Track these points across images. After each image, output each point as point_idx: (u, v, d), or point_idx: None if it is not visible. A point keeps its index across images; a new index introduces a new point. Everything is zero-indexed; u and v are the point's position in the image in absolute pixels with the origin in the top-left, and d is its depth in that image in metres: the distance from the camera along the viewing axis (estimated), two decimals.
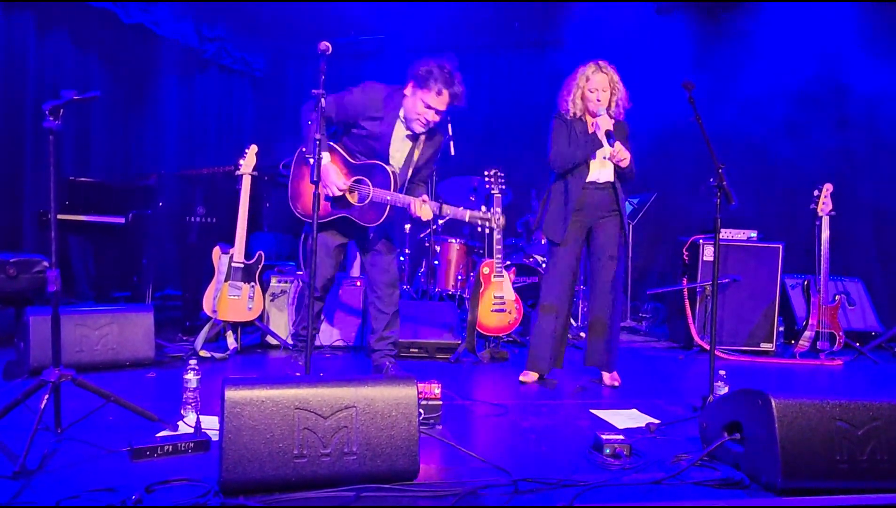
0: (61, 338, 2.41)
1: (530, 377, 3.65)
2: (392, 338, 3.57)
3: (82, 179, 4.82)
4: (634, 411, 3.11)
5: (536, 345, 3.64)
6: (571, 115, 3.54)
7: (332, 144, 3.36)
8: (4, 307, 4.16)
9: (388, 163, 3.35)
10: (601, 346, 3.60)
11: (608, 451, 2.39)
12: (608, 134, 3.36)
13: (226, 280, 3.99)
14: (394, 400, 2.08)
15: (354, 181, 3.34)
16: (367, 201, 3.31)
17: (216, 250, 4.06)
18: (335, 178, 3.28)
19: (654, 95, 6.18)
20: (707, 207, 3.17)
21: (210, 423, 2.41)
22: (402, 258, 5.53)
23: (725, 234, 4.88)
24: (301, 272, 4.37)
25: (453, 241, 5.27)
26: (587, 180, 3.51)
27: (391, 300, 3.53)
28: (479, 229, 3.36)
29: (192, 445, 2.30)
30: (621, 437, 2.44)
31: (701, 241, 4.94)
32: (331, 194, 3.30)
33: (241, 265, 4.02)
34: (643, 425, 2.84)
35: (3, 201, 5.05)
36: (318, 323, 3.54)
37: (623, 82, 3.52)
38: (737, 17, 6.27)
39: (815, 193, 4.65)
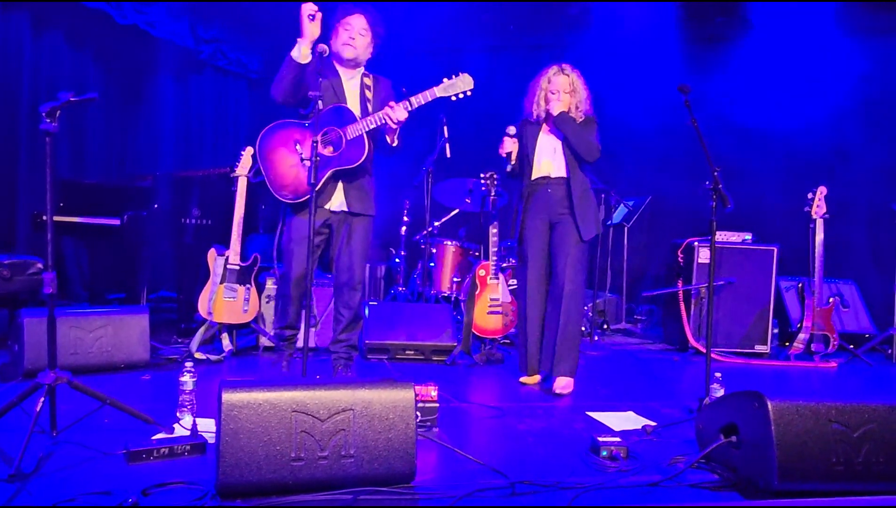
0: (56, 340, 2.40)
1: (529, 379, 3.66)
2: (349, 341, 3.46)
3: (77, 180, 4.80)
4: (631, 413, 3.11)
5: (519, 346, 3.72)
6: (535, 117, 3.63)
7: (283, 121, 3.34)
8: None
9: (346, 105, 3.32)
10: (548, 349, 3.52)
11: (605, 453, 2.39)
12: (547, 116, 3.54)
13: (221, 282, 3.98)
14: (391, 403, 2.08)
15: (322, 135, 3.26)
16: (343, 145, 3.24)
17: (211, 252, 4.05)
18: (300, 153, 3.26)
19: (650, 97, 6.21)
20: (702, 209, 3.18)
21: (206, 426, 2.41)
22: (397, 261, 5.53)
23: (720, 236, 4.90)
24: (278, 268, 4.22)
25: (449, 243, 5.28)
26: (533, 178, 3.60)
27: (350, 303, 3.41)
28: (454, 98, 3.29)
29: (188, 448, 2.29)
30: (618, 439, 2.45)
31: (696, 243, 4.96)
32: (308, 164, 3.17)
33: (237, 267, 4.01)
34: (640, 427, 2.85)
35: None
36: (298, 324, 3.46)
37: (587, 87, 3.59)
38: (731, 21, 6.30)
39: (810, 195, 4.68)
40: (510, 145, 3.59)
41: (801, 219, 4.78)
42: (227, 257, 4.01)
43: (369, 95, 3.41)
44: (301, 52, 3.17)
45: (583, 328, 5.19)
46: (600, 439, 2.43)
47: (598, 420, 2.98)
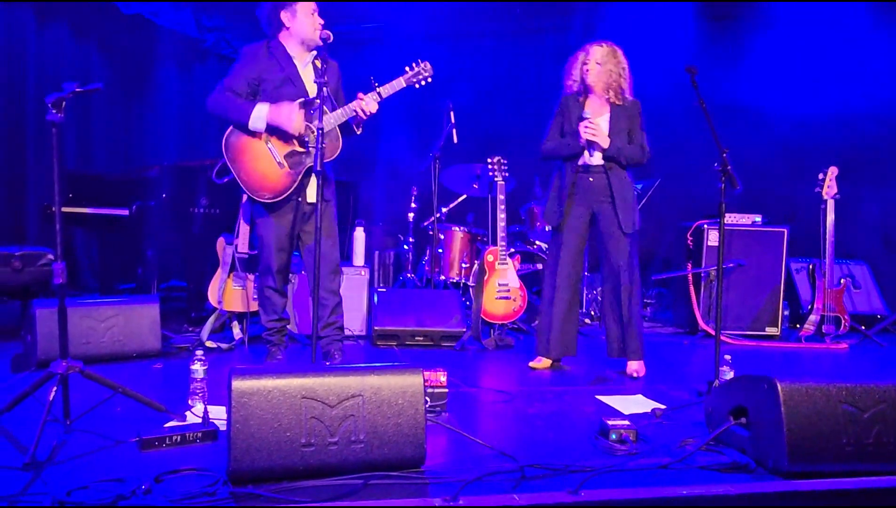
0: (68, 330, 2.42)
1: (540, 363, 3.66)
2: (337, 323, 3.46)
3: (85, 171, 4.83)
4: (640, 396, 3.12)
5: (540, 330, 3.67)
6: (572, 89, 3.59)
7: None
8: (10, 300, 4.18)
9: (307, 96, 3.30)
10: (616, 335, 3.59)
11: (614, 436, 2.39)
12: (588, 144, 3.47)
13: (231, 271, 4.00)
14: (400, 388, 2.08)
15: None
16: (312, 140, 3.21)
17: (220, 241, 4.06)
18: (295, 117, 3.22)
19: (658, 79, 6.13)
20: (711, 191, 3.16)
21: (218, 413, 2.43)
22: (406, 247, 5.53)
23: (730, 218, 4.86)
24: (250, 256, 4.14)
25: (457, 229, 5.26)
26: (579, 164, 3.54)
27: (333, 286, 3.42)
28: (418, 86, 3.33)
29: (200, 435, 2.31)
30: (627, 422, 2.45)
31: (705, 226, 4.93)
32: (293, 130, 3.22)
33: (246, 256, 4.02)
34: (649, 410, 2.85)
35: (7, 194, 5.06)
36: (287, 314, 3.53)
37: (630, 69, 3.53)
38: (741, 2, 6.21)
39: (820, 176, 4.63)
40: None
41: (811, 200, 4.74)
42: (236, 245, 4.02)
43: (325, 78, 3.38)
44: (259, 127, 3.23)
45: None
46: (610, 422, 2.43)
47: (607, 404, 2.98)
